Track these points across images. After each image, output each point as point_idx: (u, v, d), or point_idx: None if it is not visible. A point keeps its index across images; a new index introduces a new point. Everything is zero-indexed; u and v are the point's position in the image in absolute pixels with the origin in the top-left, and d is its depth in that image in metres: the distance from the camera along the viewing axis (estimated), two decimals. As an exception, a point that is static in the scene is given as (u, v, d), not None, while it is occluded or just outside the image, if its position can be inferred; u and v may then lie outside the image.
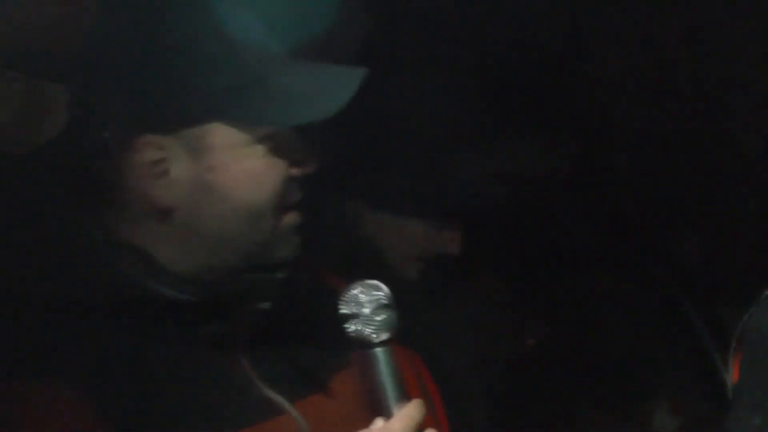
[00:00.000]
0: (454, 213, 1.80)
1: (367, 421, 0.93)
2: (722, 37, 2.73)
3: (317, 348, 1.03)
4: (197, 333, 0.95)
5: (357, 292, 0.95)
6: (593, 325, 2.43)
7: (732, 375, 1.14)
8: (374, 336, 0.94)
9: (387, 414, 0.93)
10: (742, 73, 2.67)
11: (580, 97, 2.23)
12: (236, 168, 0.95)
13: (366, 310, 0.94)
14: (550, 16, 2.11)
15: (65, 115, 0.97)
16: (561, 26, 2.15)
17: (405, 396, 0.94)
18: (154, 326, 0.93)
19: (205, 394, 0.93)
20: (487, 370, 1.97)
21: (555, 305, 2.23)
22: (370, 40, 1.75)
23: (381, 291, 0.95)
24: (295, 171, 0.98)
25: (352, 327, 0.94)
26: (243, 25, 0.95)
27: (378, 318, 0.94)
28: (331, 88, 0.94)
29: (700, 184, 2.33)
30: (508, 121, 2.16)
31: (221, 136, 0.94)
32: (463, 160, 1.86)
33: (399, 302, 0.95)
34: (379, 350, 0.94)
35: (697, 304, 2.10)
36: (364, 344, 0.94)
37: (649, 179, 2.43)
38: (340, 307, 0.94)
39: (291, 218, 0.99)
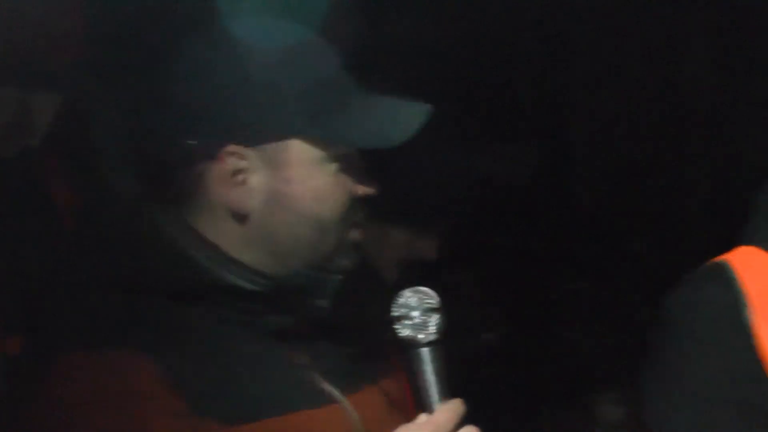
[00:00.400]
0: (428, 214, 1.93)
1: (411, 417, 0.98)
2: (668, 57, 2.92)
3: (368, 346, 1.10)
4: (263, 322, 1.04)
5: (408, 296, 1.01)
6: (546, 321, 2.58)
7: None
8: (422, 337, 0.99)
9: (429, 410, 0.98)
10: (686, 86, 2.87)
11: (546, 106, 2.37)
12: (309, 182, 1.03)
13: (415, 313, 1.00)
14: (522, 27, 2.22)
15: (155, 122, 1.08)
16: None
17: (447, 394, 0.99)
18: (226, 312, 1.02)
19: (265, 377, 1.01)
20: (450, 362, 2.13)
21: (513, 302, 2.36)
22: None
23: (430, 296, 1.01)
24: (359, 191, 1.06)
25: (401, 328, 1.00)
26: (325, 57, 1.04)
27: (426, 321, 1.00)
28: (401, 120, 1.04)
29: (654, 189, 2.49)
30: (478, 127, 2.27)
31: (299, 151, 1.03)
32: (436, 164, 1.96)
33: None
34: (425, 350, 0.99)
35: (645, 298, 2.27)
36: (412, 344, 1.00)
37: (606, 184, 2.59)
38: (392, 309, 1.00)
39: (352, 234, 1.07)
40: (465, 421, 0.97)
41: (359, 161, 1.06)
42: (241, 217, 1.04)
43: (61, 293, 1.01)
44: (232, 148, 1.02)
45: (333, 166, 1.04)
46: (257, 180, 1.03)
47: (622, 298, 2.31)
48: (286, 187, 1.03)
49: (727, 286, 1.20)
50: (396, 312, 1.00)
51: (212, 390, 0.97)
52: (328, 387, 1.05)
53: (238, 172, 1.02)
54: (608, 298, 2.33)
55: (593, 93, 2.47)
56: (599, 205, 2.47)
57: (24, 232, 1.33)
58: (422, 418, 0.98)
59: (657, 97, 2.56)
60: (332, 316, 1.07)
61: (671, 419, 1.22)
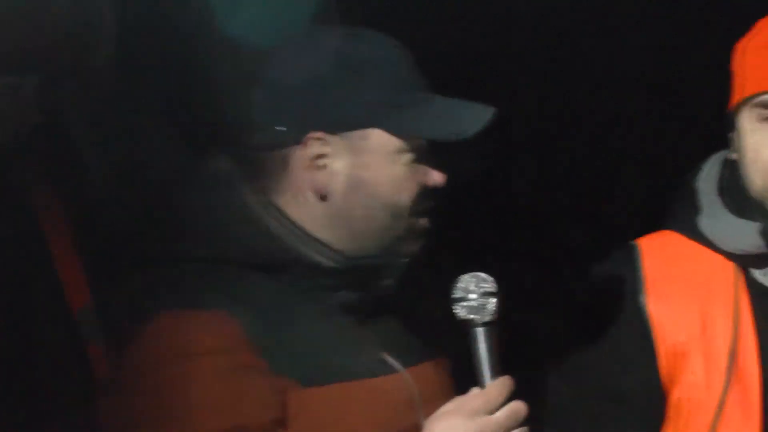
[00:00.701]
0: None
1: (464, 390, 1.09)
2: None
3: (429, 324, 1.21)
4: (336, 296, 1.14)
5: (467, 280, 1.10)
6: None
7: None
8: (478, 318, 1.08)
9: (481, 385, 1.08)
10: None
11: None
12: (386, 170, 1.12)
13: (473, 296, 1.09)
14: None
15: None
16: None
17: (498, 371, 1.08)
18: (305, 285, 1.13)
19: (335, 346, 1.11)
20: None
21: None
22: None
23: (487, 281, 1.10)
24: (430, 181, 1.15)
25: (460, 310, 1.09)
26: (404, 58, 1.17)
27: (483, 303, 1.09)
28: (470, 117, 1.14)
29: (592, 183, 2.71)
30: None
31: (378, 140, 1.12)
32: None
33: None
34: (480, 330, 1.08)
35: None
36: (469, 325, 1.09)
37: (547, 181, 2.81)
38: (452, 292, 1.09)
39: (421, 222, 1.16)
40: (513, 396, 1.07)
41: (430, 154, 1.14)
42: (322, 199, 1.12)
43: (162, 261, 1.12)
44: (317, 134, 1.11)
45: (408, 157, 1.12)
46: (339, 165, 1.12)
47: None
48: (365, 172, 1.12)
49: (631, 268, 1.29)
50: (455, 294, 1.09)
51: (289, 353, 1.08)
52: (390, 359, 1.13)
53: (321, 156, 1.11)
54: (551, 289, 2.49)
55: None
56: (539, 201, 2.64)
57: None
58: (474, 391, 1.08)
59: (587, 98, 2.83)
60: (397, 295, 1.16)
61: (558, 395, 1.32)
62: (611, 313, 1.32)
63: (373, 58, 1.15)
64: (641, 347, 1.28)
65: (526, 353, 1.53)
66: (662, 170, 2.28)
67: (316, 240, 1.13)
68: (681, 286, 1.31)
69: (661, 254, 1.33)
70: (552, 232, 2.73)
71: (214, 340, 1.06)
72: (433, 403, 1.11)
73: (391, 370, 1.14)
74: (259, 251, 1.12)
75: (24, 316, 1.07)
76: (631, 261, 1.32)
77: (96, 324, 1.08)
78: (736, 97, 1.28)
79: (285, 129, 1.12)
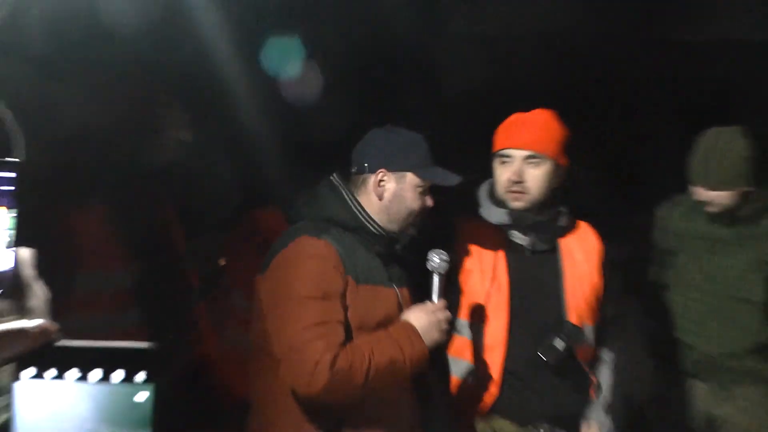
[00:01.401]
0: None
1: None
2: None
3: (415, 268, 2.31)
4: (377, 250, 2.26)
5: (434, 252, 2.24)
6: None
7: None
8: (437, 270, 2.24)
9: (432, 301, 2.26)
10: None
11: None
12: (410, 193, 2.28)
13: (435, 260, 2.23)
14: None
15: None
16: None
17: (442, 296, 2.25)
18: (355, 239, 2.24)
19: (374, 270, 2.22)
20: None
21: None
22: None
23: (443, 254, 2.24)
24: (428, 202, 2.31)
25: (429, 265, 2.25)
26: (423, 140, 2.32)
27: (440, 264, 2.23)
28: (451, 177, 2.26)
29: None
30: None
31: (411, 179, 2.27)
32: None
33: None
34: (437, 276, 2.24)
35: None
36: (432, 272, 2.24)
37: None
38: (426, 257, 2.25)
39: (419, 219, 2.32)
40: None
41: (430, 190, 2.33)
42: (379, 200, 2.29)
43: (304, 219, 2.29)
44: (382, 170, 2.28)
45: (420, 189, 2.29)
46: (390, 186, 2.28)
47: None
48: (401, 192, 2.28)
49: (453, 229, 2.59)
50: (428, 258, 2.25)
51: (354, 266, 2.16)
52: (388, 283, 2.27)
53: (382, 180, 2.29)
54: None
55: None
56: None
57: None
58: (428, 303, 2.24)
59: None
60: (405, 252, 2.33)
61: None
62: (446, 246, 2.42)
63: (413, 140, 2.31)
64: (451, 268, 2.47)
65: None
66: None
67: (372, 219, 2.28)
68: (472, 238, 2.55)
69: (464, 224, 2.57)
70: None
71: (322, 250, 2.15)
72: (407, 306, 2.27)
73: (391, 285, 2.28)
74: (347, 220, 2.26)
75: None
76: (451, 227, 2.57)
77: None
78: (493, 149, 2.56)
79: (367, 165, 2.29)
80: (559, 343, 2.42)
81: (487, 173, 2.63)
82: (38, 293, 1.16)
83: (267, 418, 2.20)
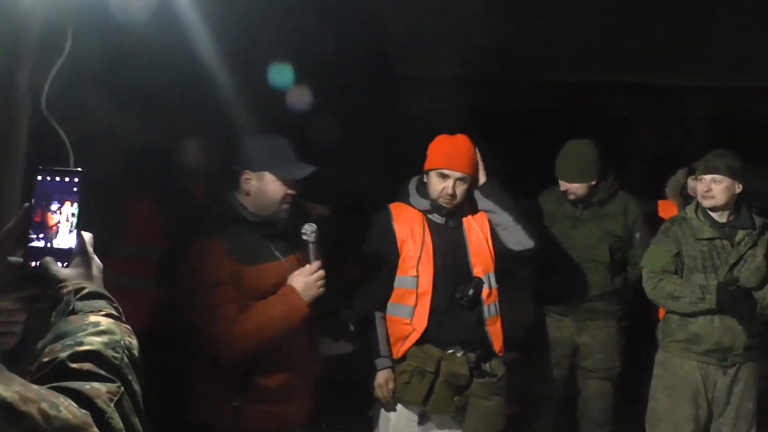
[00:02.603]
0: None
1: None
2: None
3: (293, 238, 2.67)
4: (254, 230, 2.63)
5: (307, 225, 2.66)
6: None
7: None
8: (310, 240, 2.67)
9: (310, 264, 2.65)
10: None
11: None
12: (270, 186, 2.63)
13: (307, 230, 2.67)
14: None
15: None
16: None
17: (318, 259, 2.65)
18: (242, 228, 2.63)
19: (253, 247, 2.64)
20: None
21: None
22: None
23: (313, 227, 2.66)
24: (288, 191, 2.65)
25: (303, 236, 2.67)
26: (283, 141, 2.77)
27: (312, 234, 2.67)
28: (303, 169, 2.71)
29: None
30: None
31: (269, 176, 2.63)
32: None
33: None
34: (311, 244, 2.67)
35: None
36: (307, 242, 2.66)
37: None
38: (303, 228, 2.66)
39: (285, 206, 2.67)
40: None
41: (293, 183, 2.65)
42: (247, 195, 2.65)
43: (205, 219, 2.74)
44: (247, 171, 2.64)
45: (280, 182, 2.63)
46: (253, 184, 2.64)
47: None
48: (263, 187, 2.64)
49: (388, 214, 3.28)
50: (303, 230, 2.67)
51: (238, 250, 2.58)
52: (278, 254, 2.67)
53: (249, 179, 2.63)
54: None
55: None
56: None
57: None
58: (306, 267, 2.64)
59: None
60: (282, 229, 2.69)
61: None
62: (381, 226, 3.20)
63: (272, 143, 2.69)
64: (392, 238, 3.20)
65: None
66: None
67: (247, 209, 2.65)
68: (404, 218, 3.22)
69: (397, 208, 3.24)
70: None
71: (214, 248, 2.58)
72: (292, 271, 2.64)
73: (278, 258, 2.66)
74: (231, 214, 2.64)
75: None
76: (387, 210, 3.25)
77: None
78: (428, 165, 3.22)
79: (237, 168, 2.68)
80: (468, 290, 3.10)
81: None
82: (96, 265, 1.26)
83: (203, 376, 2.62)
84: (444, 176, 3.13)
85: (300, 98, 4.38)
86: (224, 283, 2.52)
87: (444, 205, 3.14)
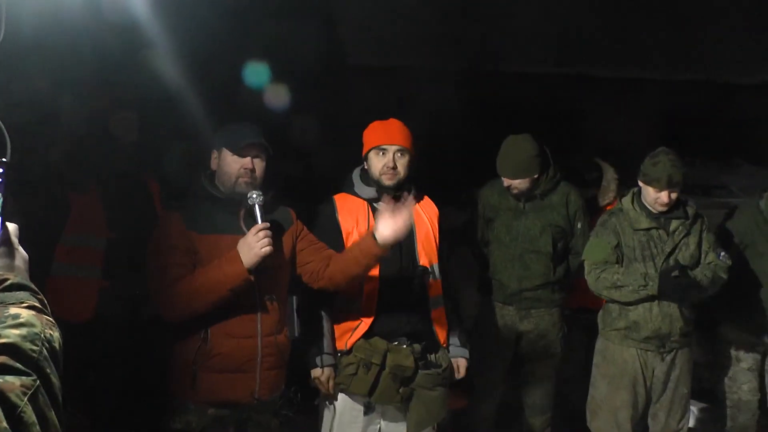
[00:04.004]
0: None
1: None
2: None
3: (243, 208, 2.79)
4: (221, 206, 2.77)
5: (253, 193, 2.73)
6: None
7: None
8: (257, 202, 2.72)
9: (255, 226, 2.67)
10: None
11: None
12: (229, 160, 2.78)
13: (254, 196, 2.73)
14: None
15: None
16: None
17: (263, 221, 2.70)
18: (205, 202, 2.80)
19: (219, 218, 2.80)
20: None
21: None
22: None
23: (258, 192, 2.73)
24: (246, 166, 2.77)
25: (250, 200, 2.74)
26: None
27: (258, 198, 2.73)
28: (253, 134, 2.84)
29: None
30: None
31: (226, 152, 2.79)
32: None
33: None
34: (257, 206, 2.72)
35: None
36: (253, 205, 2.73)
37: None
38: (249, 194, 2.75)
39: (244, 179, 2.77)
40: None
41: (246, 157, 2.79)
42: (214, 171, 2.83)
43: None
44: (214, 152, 2.84)
45: (236, 156, 2.76)
46: (217, 161, 2.82)
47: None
48: (223, 163, 2.80)
49: (333, 205, 3.20)
50: (248, 195, 2.74)
51: (198, 222, 2.77)
52: (245, 228, 2.74)
53: (215, 158, 2.82)
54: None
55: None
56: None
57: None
58: (251, 229, 2.67)
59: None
60: (241, 202, 2.76)
61: None
62: (326, 218, 3.20)
63: (232, 126, 2.85)
64: (336, 230, 3.16)
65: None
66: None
67: (216, 186, 2.80)
68: (349, 210, 3.19)
69: (341, 200, 3.22)
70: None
71: (171, 218, 2.79)
72: None
73: (243, 232, 2.72)
74: (197, 189, 2.83)
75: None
76: (332, 202, 3.22)
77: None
78: (365, 148, 3.21)
79: (213, 149, 2.84)
80: (415, 281, 3.08)
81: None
82: (21, 256, 1.24)
83: (168, 347, 2.79)
84: (382, 151, 3.13)
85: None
86: (173, 247, 2.67)
87: (387, 182, 3.12)
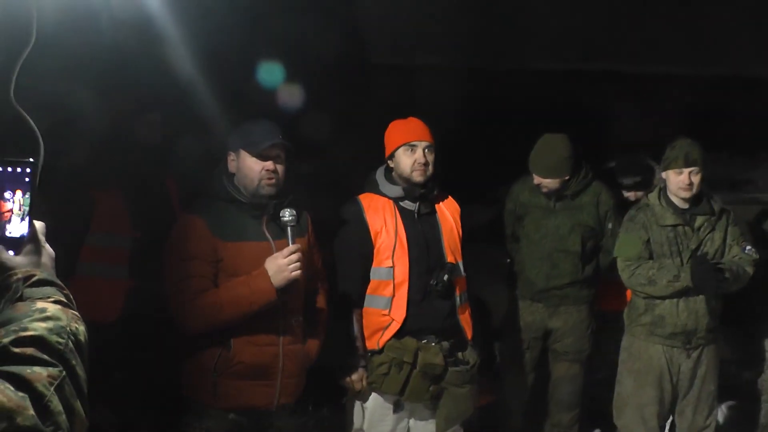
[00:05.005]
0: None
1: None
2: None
3: (278, 222, 2.71)
4: (245, 211, 2.71)
5: (285, 210, 2.68)
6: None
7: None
8: (289, 222, 2.68)
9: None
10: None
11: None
12: (249, 163, 2.70)
13: (287, 215, 2.69)
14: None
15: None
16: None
17: (293, 243, 2.67)
18: (229, 206, 2.74)
19: (243, 224, 2.72)
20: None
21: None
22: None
23: (294, 211, 2.68)
24: (267, 168, 2.69)
25: (283, 219, 2.69)
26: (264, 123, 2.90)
27: (292, 218, 2.69)
28: (271, 136, 2.76)
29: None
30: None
31: (245, 154, 2.73)
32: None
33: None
34: (289, 227, 2.69)
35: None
36: (286, 224, 2.68)
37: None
38: (281, 212, 2.69)
39: (266, 182, 2.71)
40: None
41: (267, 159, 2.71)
42: (234, 173, 2.76)
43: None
44: (231, 154, 2.77)
45: (256, 159, 2.69)
46: (236, 163, 2.74)
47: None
48: (243, 165, 2.72)
49: (358, 206, 3.14)
50: (281, 213, 2.69)
51: (222, 228, 2.67)
52: (269, 234, 2.73)
53: (232, 160, 2.74)
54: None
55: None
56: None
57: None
58: (283, 250, 2.65)
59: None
60: (266, 207, 2.75)
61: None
62: (353, 219, 3.14)
63: (249, 126, 2.78)
64: (365, 230, 3.11)
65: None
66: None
67: (237, 188, 2.75)
68: (375, 209, 3.14)
69: (367, 199, 3.17)
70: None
71: (191, 223, 2.70)
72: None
73: (267, 239, 2.73)
74: (221, 193, 2.76)
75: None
76: (357, 202, 3.16)
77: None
78: (391, 147, 3.18)
79: (230, 150, 2.78)
80: (443, 276, 3.05)
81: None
82: (47, 253, 1.26)
83: (187, 351, 2.74)
84: (412, 148, 3.12)
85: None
86: (195, 257, 2.61)
87: (419, 179, 3.11)
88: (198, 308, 2.58)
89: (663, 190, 3.66)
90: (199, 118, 3.25)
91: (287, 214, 2.64)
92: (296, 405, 2.92)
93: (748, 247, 3.56)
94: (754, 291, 3.65)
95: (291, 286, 2.64)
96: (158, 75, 3.43)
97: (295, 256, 2.60)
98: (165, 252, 2.68)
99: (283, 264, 2.59)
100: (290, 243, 2.63)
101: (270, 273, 2.58)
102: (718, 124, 5.63)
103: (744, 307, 4.00)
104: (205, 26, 3.33)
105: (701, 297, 3.55)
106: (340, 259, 3.16)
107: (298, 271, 2.61)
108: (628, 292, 3.75)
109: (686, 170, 3.51)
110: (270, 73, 4.29)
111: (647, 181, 4.23)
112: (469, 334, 3.20)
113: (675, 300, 3.55)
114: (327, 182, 4.28)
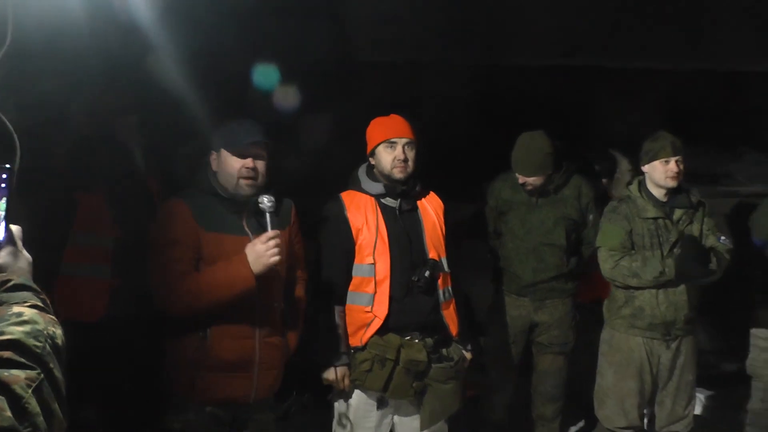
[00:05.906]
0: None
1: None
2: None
3: (259, 219, 2.74)
4: (226, 206, 2.74)
5: (265, 196, 2.70)
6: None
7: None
8: (267, 209, 2.70)
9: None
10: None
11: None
12: (229, 161, 2.73)
13: (265, 200, 2.71)
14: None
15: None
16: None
17: (274, 228, 2.69)
18: (211, 199, 2.75)
19: (224, 218, 2.75)
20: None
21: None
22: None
23: (271, 197, 2.70)
24: (246, 165, 2.71)
25: (261, 206, 2.71)
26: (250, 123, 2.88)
27: (270, 204, 2.71)
28: (253, 134, 2.83)
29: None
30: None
31: (225, 153, 2.73)
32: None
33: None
34: (268, 213, 2.69)
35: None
36: (264, 210, 2.70)
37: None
38: (260, 198, 2.72)
39: (245, 180, 2.72)
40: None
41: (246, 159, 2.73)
42: (215, 171, 2.77)
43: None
44: (213, 153, 2.79)
45: (235, 157, 2.72)
46: (218, 162, 2.76)
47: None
48: (223, 163, 2.75)
49: (340, 203, 3.14)
50: (260, 200, 2.71)
51: (205, 217, 2.70)
52: (248, 229, 2.75)
53: (214, 159, 2.77)
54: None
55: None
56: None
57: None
58: (261, 236, 2.66)
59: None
60: (246, 203, 2.76)
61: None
62: (335, 217, 3.15)
63: (230, 126, 2.80)
64: (346, 228, 3.12)
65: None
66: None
67: (220, 184, 2.75)
68: (357, 206, 3.14)
69: (349, 197, 3.17)
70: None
71: (176, 207, 2.72)
72: None
73: (246, 234, 2.73)
74: (206, 188, 2.77)
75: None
76: (339, 200, 3.18)
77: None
78: (372, 144, 3.17)
79: (213, 150, 2.79)
80: (425, 272, 3.06)
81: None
82: (24, 257, 1.25)
83: (168, 344, 2.76)
84: (392, 144, 3.12)
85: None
86: (178, 241, 2.63)
87: (399, 175, 3.11)
88: (179, 291, 2.59)
89: (642, 182, 3.70)
90: (183, 119, 3.24)
91: (265, 200, 2.66)
92: (275, 397, 2.93)
93: (723, 237, 3.61)
94: (731, 281, 3.69)
95: (272, 274, 2.66)
96: (144, 76, 3.44)
97: (273, 242, 2.60)
98: (150, 233, 2.70)
99: (261, 249, 2.59)
100: (269, 229, 2.63)
101: (249, 259, 2.59)
102: (699, 117, 5.67)
103: (721, 298, 4.05)
104: (192, 26, 3.31)
105: (681, 288, 3.59)
106: (322, 256, 3.15)
107: (277, 257, 2.61)
108: (607, 284, 3.76)
109: (673, 158, 3.56)
110: (261, 73, 4.33)
111: (610, 170, 4.36)
112: (453, 330, 3.19)
113: (654, 291, 3.59)
114: (313, 180, 4.27)
